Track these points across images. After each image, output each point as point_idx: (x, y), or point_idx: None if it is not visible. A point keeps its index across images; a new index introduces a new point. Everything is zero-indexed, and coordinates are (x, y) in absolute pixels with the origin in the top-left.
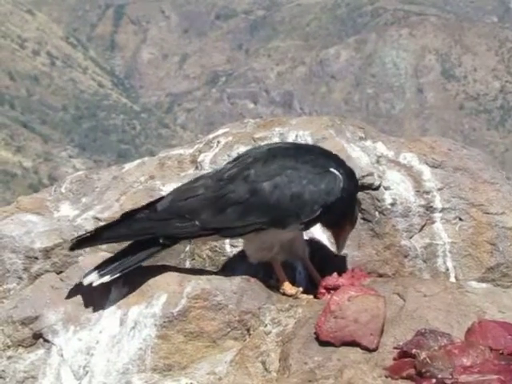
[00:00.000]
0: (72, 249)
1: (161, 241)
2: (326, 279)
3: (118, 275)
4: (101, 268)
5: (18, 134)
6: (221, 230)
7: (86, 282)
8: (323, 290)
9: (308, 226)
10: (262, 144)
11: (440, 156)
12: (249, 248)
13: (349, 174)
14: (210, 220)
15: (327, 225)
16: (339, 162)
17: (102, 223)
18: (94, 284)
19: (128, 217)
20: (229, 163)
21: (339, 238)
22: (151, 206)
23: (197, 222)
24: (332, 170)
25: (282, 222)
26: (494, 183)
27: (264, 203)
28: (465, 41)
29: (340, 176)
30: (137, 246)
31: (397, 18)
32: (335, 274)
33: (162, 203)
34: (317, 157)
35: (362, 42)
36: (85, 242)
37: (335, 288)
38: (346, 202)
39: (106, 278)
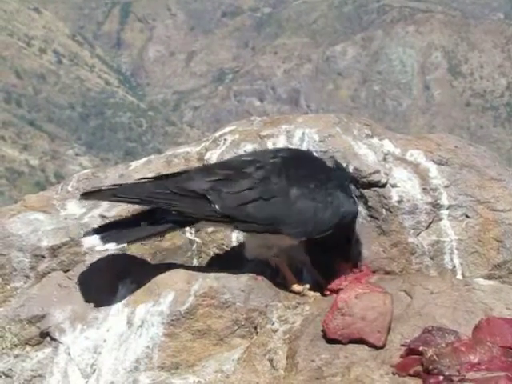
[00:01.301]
0: (83, 195)
1: (173, 212)
2: (330, 283)
3: (124, 244)
4: (104, 232)
5: (25, 132)
6: (236, 221)
7: (86, 245)
8: (328, 293)
9: (310, 239)
10: (293, 148)
11: (447, 153)
12: (249, 242)
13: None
14: (230, 207)
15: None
16: (354, 185)
17: (108, 221)
18: (97, 249)
19: (147, 182)
20: (256, 154)
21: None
22: (175, 176)
23: (216, 206)
24: (353, 196)
25: (294, 232)
26: (500, 180)
27: (287, 207)
28: (471, 38)
29: (357, 203)
30: (145, 218)
31: (403, 15)
32: (340, 277)
33: (186, 177)
34: (343, 179)
35: (369, 39)
36: (99, 193)
37: (336, 291)
38: (351, 227)
39: (112, 246)
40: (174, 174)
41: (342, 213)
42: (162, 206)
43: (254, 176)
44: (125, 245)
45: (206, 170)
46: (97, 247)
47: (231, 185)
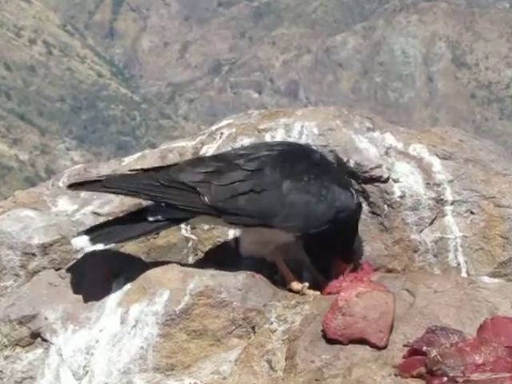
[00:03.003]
0: (71, 186)
1: (162, 205)
2: (329, 286)
3: (112, 245)
4: (93, 233)
5: (14, 126)
6: (227, 214)
7: (75, 246)
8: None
9: (306, 236)
10: (290, 141)
11: (451, 147)
12: (244, 238)
13: (359, 194)
14: (219, 200)
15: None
16: (351, 183)
17: (101, 218)
18: (86, 250)
19: (138, 174)
20: (250, 147)
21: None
22: (165, 168)
23: (206, 199)
24: (351, 190)
25: (288, 226)
26: (506, 175)
27: (279, 201)
28: (476, 27)
29: (356, 198)
30: (135, 217)
31: (405, 4)
32: (339, 278)
33: (176, 169)
34: (341, 172)
35: (370, 29)
36: (87, 184)
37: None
38: (349, 226)
39: (100, 246)
40: (164, 167)
41: (338, 207)
42: (151, 199)
43: (246, 168)
44: (113, 245)
45: (197, 161)
46: (85, 248)
47: (222, 177)
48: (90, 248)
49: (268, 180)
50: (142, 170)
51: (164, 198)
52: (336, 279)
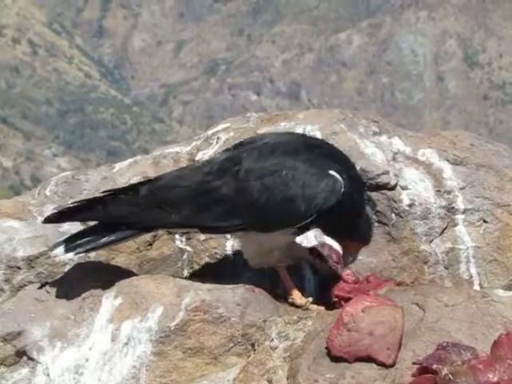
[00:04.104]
0: (45, 221)
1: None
2: (339, 287)
3: (82, 254)
4: (68, 242)
5: None
6: (201, 228)
7: (53, 254)
8: (336, 299)
9: (301, 231)
10: (264, 133)
11: (462, 152)
12: (246, 251)
13: (355, 179)
14: (190, 217)
15: (327, 232)
16: (345, 165)
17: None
18: (57, 259)
19: (108, 196)
20: (223, 152)
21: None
22: (136, 187)
23: (177, 217)
24: (332, 172)
25: (268, 226)
26: None
27: (251, 204)
28: (489, 24)
29: (341, 180)
30: (107, 225)
31: (414, 0)
32: (350, 280)
33: (146, 188)
34: (318, 156)
35: (376, 26)
36: (57, 217)
37: (348, 299)
38: (348, 210)
39: (70, 255)
40: (134, 186)
41: (316, 197)
42: (123, 222)
43: (207, 178)
44: (83, 254)
45: (167, 177)
46: (58, 257)
47: (187, 191)
48: (62, 257)
49: (231, 185)
50: (112, 192)
51: (137, 222)
52: (345, 281)
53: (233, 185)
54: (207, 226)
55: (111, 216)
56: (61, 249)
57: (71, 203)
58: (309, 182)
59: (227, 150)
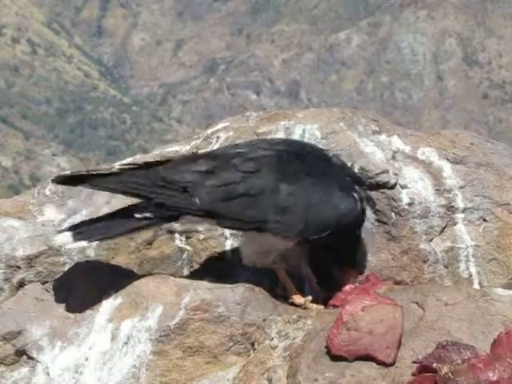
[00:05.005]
0: (54, 181)
1: (152, 202)
2: (334, 298)
3: (96, 242)
4: (76, 229)
5: None
6: (219, 218)
7: (58, 242)
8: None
9: (307, 242)
10: (291, 139)
11: (462, 151)
12: (245, 248)
13: (364, 200)
14: (212, 202)
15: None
16: (358, 184)
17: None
18: (67, 246)
19: (128, 171)
20: (249, 145)
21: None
22: (156, 165)
23: (196, 200)
24: (355, 195)
25: (283, 231)
26: None
27: (275, 204)
28: (489, 23)
29: (360, 202)
30: (121, 214)
31: None
32: (345, 288)
33: (167, 166)
34: (344, 177)
35: (376, 25)
36: (72, 180)
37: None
38: (354, 233)
39: (83, 243)
40: (155, 163)
41: (340, 213)
42: (140, 197)
43: (241, 169)
44: (97, 242)
45: (190, 159)
46: (67, 245)
47: (215, 178)
48: (72, 245)
49: (264, 182)
50: (131, 166)
51: (154, 197)
52: (341, 290)
53: (264, 181)
54: (225, 216)
55: (128, 186)
56: (68, 236)
57: (85, 170)
58: (335, 200)
59: (252, 144)
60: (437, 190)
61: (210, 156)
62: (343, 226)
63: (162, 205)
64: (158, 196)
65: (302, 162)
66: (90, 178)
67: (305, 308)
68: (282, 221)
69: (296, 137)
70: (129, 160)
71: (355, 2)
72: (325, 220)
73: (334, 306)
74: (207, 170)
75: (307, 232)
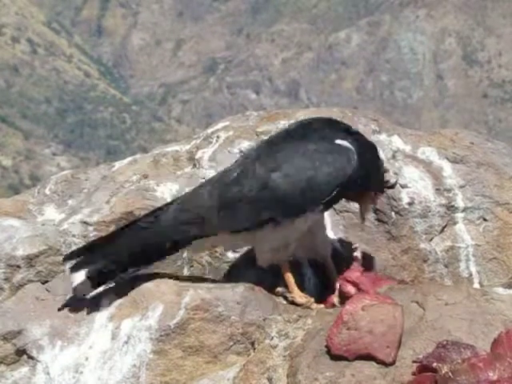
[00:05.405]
0: (65, 260)
1: (167, 246)
2: (348, 271)
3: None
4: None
5: None
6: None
7: (79, 289)
8: (346, 283)
9: (328, 206)
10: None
11: (462, 150)
12: (260, 248)
13: (361, 141)
14: (221, 223)
15: (350, 199)
16: (346, 131)
17: (90, 227)
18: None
19: (122, 230)
20: (234, 163)
21: (361, 207)
22: (147, 217)
23: (209, 227)
24: (340, 141)
25: (299, 210)
26: None
27: (277, 195)
28: (488, 22)
29: (351, 147)
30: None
31: None
32: (359, 269)
33: (165, 212)
34: (322, 131)
35: (376, 24)
36: (79, 255)
37: (354, 283)
38: (365, 172)
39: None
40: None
41: (333, 176)
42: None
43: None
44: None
45: (180, 198)
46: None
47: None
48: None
49: (253, 185)
50: (121, 227)
51: (168, 238)
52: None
53: (254, 183)
54: (239, 230)
55: (140, 241)
56: (86, 283)
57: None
58: (324, 158)
59: (234, 162)
60: (437, 189)
61: (198, 188)
62: (349, 174)
63: (178, 241)
64: (172, 237)
65: (277, 144)
66: (94, 249)
67: (305, 307)
68: (290, 204)
69: None
70: (127, 160)
71: (355, 2)
72: (328, 181)
73: (347, 280)
74: (200, 200)
75: (318, 200)
